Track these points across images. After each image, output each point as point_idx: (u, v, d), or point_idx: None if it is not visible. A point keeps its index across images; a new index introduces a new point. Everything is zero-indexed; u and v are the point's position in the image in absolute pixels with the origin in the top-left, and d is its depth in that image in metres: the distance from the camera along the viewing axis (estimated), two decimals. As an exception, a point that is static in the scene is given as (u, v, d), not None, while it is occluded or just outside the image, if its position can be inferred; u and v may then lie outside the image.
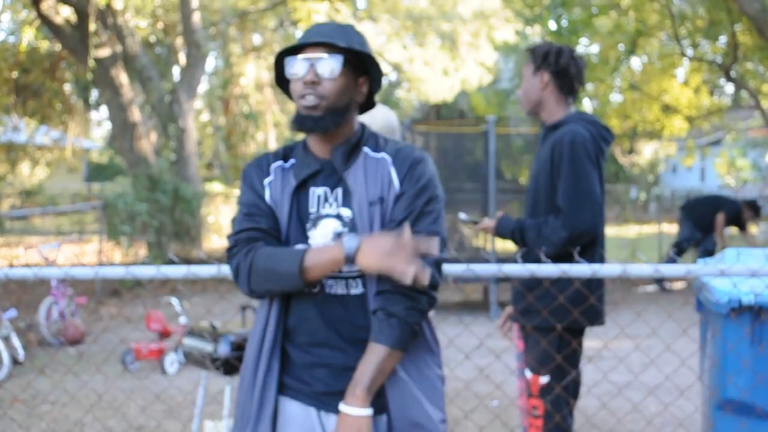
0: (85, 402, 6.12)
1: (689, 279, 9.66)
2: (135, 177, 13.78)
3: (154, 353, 7.30)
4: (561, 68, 3.48)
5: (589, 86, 16.78)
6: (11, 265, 12.03)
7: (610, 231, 16.97)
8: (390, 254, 2.04)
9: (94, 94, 18.47)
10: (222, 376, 4.44)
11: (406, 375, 2.22)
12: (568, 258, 3.27)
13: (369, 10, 24.06)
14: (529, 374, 3.41)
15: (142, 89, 15.84)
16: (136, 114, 14.58)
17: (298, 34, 23.86)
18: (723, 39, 15.89)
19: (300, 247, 2.21)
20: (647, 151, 34.57)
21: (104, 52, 13.95)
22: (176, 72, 19.68)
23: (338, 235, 2.20)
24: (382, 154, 2.26)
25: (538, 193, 3.44)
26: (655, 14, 15.43)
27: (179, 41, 18.51)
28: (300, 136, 2.37)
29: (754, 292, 3.45)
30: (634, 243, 17.02)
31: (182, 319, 7.44)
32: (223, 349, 4.35)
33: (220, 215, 17.60)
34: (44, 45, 16.46)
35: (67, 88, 18.22)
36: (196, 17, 15.63)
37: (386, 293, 2.15)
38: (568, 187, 3.34)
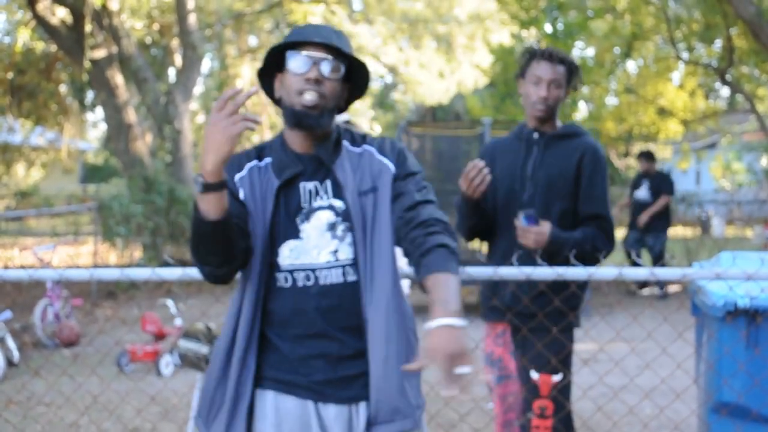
0: (80, 404, 6.10)
1: (685, 282, 9.67)
2: (130, 178, 13.76)
3: (150, 355, 7.28)
4: (577, 86, 3.55)
5: (585, 89, 16.80)
6: (6, 267, 12.01)
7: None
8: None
9: (90, 95, 18.46)
10: (217, 379, 4.43)
11: (392, 358, 2.25)
12: (564, 261, 3.27)
13: (365, 12, 24.06)
14: (535, 375, 3.38)
15: (138, 90, 15.81)
16: (131, 115, 14.57)
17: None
18: (718, 42, 15.93)
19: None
20: (642, 154, 34.53)
21: (100, 54, 13.94)
22: (172, 73, 19.66)
23: (332, 226, 2.27)
24: (364, 147, 2.35)
25: (551, 198, 3.41)
26: (650, 17, 15.46)
27: (175, 42, 18.49)
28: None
29: (749, 295, 3.46)
30: (629, 246, 17.02)
31: (177, 321, 7.43)
32: (219, 352, 4.35)
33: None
34: (40, 46, 16.44)
35: (63, 89, 18.19)
36: (192, 19, 15.61)
37: (439, 234, 2.20)
38: (605, 198, 3.43)
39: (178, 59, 18.11)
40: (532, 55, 3.49)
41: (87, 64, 13.60)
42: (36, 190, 22.23)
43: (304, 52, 2.25)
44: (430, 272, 2.12)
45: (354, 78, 2.38)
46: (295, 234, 2.28)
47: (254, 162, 2.35)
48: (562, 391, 3.38)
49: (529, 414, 3.38)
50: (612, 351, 7.79)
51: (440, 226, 2.23)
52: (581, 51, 17.57)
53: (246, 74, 22.25)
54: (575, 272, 3.12)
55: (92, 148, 36.38)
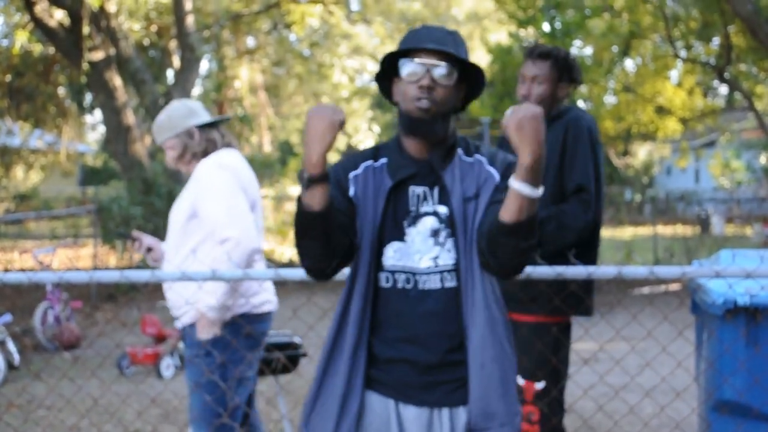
0: (80, 407, 6.10)
1: (684, 280, 9.67)
2: (129, 180, 13.75)
3: (150, 357, 7.28)
4: (578, 79, 3.48)
5: (583, 88, 16.81)
6: (6, 270, 12.01)
7: (605, 233, 17.04)
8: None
9: (88, 97, 18.46)
10: (218, 380, 4.42)
11: (488, 365, 2.25)
12: (563, 259, 3.26)
13: (363, 12, 24.08)
14: (521, 381, 3.37)
15: (136, 92, 15.80)
16: (130, 117, 14.56)
17: (292, 37, 23.88)
18: (716, 40, 15.95)
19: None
20: (641, 152, 34.57)
21: (98, 55, 13.93)
22: (170, 75, 19.67)
23: (435, 232, 2.27)
24: (476, 157, 2.34)
25: (545, 176, 3.38)
26: (648, 16, 15.47)
27: (173, 44, 18.49)
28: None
29: (749, 293, 3.45)
30: (629, 245, 17.03)
31: (177, 323, 7.42)
32: (219, 353, 4.33)
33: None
34: (38, 48, 16.43)
35: (61, 91, 18.19)
36: (190, 20, 15.61)
37: None
38: (587, 168, 3.32)
39: (176, 61, 18.11)
40: (525, 54, 3.51)
41: (85, 66, 13.59)
42: (35, 192, 22.21)
43: (417, 60, 2.24)
44: None
45: (469, 77, 2.36)
46: (400, 236, 2.29)
47: (370, 161, 2.36)
48: (551, 402, 3.35)
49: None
50: (612, 350, 7.79)
51: None
52: (579, 50, 17.58)
53: (244, 75, 22.25)
54: (575, 271, 3.12)
55: (91, 151, 36.34)
